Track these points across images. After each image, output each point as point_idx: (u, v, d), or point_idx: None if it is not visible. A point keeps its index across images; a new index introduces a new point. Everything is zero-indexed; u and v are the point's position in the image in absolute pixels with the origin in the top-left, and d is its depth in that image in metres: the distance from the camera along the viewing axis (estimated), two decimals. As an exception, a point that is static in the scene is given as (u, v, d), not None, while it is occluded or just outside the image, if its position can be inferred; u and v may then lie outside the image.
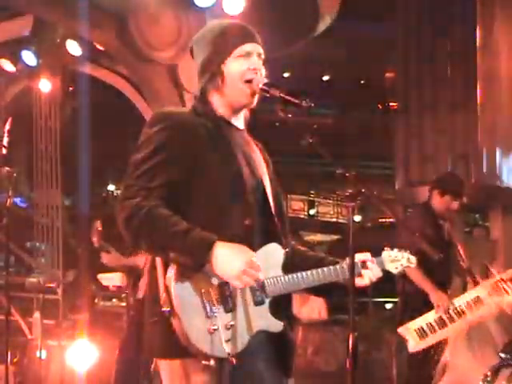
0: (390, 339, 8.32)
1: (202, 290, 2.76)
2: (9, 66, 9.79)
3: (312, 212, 20.45)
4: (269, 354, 3.00)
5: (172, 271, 2.76)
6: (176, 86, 8.18)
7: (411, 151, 12.36)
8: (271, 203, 3.06)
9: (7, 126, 11.39)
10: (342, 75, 18.07)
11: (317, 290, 3.12)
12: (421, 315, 5.84)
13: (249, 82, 3.00)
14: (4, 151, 11.07)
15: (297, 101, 2.97)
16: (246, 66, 3.01)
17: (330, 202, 19.55)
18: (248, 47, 3.03)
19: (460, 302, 5.83)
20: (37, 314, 7.09)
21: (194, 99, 3.15)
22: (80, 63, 9.22)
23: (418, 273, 5.87)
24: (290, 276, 2.96)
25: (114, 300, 8.23)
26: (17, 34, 9.19)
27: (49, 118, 10.67)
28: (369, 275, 3.08)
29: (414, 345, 5.72)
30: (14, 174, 6.34)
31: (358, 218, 14.08)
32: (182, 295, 2.73)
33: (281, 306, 2.96)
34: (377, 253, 3.18)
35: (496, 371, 1.77)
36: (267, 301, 2.90)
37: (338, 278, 3.01)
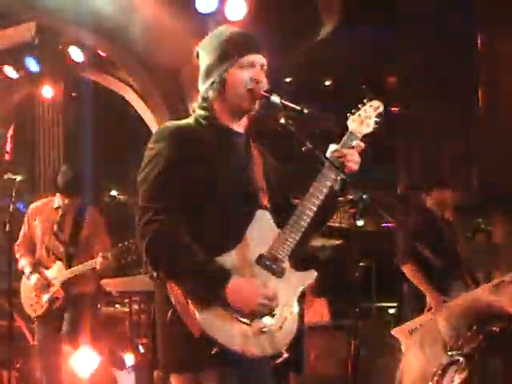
0: (392, 344, 8.33)
1: (230, 315, 2.76)
2: (12, 73, 9.82)
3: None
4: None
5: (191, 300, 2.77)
6: (178, 92, 8.21)
7: (413, 155, 12.37)
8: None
9: (10, 132, 11.44)
10: (343, 80, 18.06)
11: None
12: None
13: (250, 89, 3.02)
14: (7, 157, 11.12)
15: (298, 107, 2.98)
16: (249, 75, 3.03)
17: (333, 206, 19.46)
18: (252, 58, 3.05)
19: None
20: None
21: (196, 105, 3.15)
22: (83, 70, 9.25)
23: (417, 275, 5.94)
24: (286, 226, 2.92)
25: (116, 306, 8.24)
26: (20, 40, 9.22)
27: (51, 124, 10.71)
28: (349, 159, 3.02)
29: (405, 347, 5.77)
30: (17, 180, 6.36)
31: (360, 223, 14.06)
32: (211, 321, 2.74)
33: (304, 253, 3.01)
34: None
35: (444, 369, 1.81)
36: (286, 263, 2.88)
37: (328, 180, 2.99)
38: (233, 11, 7.75)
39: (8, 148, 10.66)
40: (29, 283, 6.22)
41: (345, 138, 3.11)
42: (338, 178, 3.00)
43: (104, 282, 7.67)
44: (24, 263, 6.25)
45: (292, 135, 2.97)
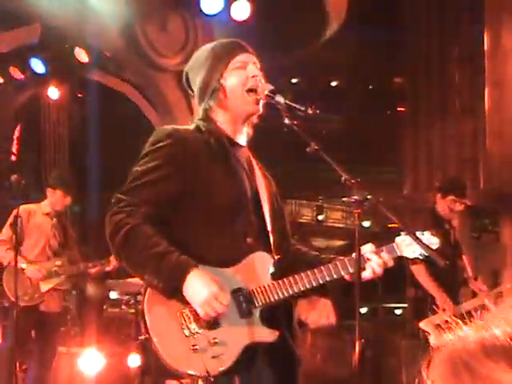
0: (399, 345, 8.30)
1: (177, 313, 2.73)
2: (17, 74, 9.83)
3: (320, 217, 20.36)
4: (269, 367, 2.90)
5: (146, 296, 2.75)
6: (184, 93, 8.19)
7: (419, 156, 12.33)
8: (267, 220, 3.02)
9: (16, 133, 11.45)
10: (350, 81, 18.04)
11: (321, 291, 3.05)
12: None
13: (252, 90, 3.00)
14: (13, 158, 11.13)
15: (302, 108, 2.97)
16: (245, 74, 3.02)
17: (339, 207, 19.48)
18: (242, 57, 3.06)
19: (468, 307, 5.87)
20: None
21: (197, 118, 3.13)
22: (88, 70, 9.24)
23: (426, 276, 5.93)
24: (279, 282, 2.85)
25: (123, 307, 8.22)
26: (25, 41, 9.23)
27: (57, 125, 10.72)
28: (372, 266, 2.90)
29: (436, 339, 5.73)
30: (23, 181, 6.36)
31: (366, 224, 14.04)
32: (157, 321, 2.72)
33: (277, 314, 2.88)
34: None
35: None
36: (257, 311, 2.82)
37: (332, 277, 2.89)
38: (238, 11, 7.75)
39: (14, 149, 10.67)
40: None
41: (386, 247, 2.99)
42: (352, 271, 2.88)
43: (109, 282, 7.69)
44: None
45: (297, 135, 2.95)
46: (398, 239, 3.01)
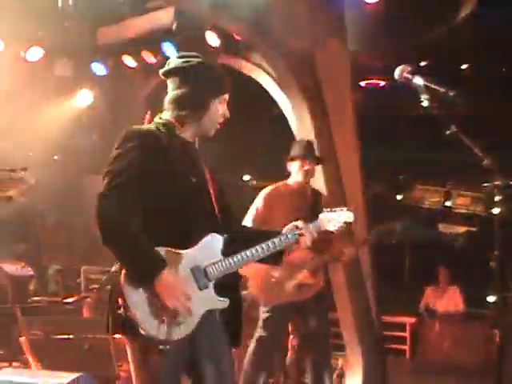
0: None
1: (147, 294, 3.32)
2: (150, 58, 10.01)
3: (448, 203, 19.99)
4: (220, 327, 3.64)
5: (122, 276, 3.34)
6: (312, 76, 8.16)
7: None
8: (214, 204, 3.69)
9: (147, 118, 11.67)
10: (482, 63, 17.56)
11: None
12: None
13: (220, 123, 3.77)
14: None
15: (443, 89, 2.90)
16: (223, 110, 3.77)
17: (468, 193, 19.05)
18: (227, 96, 3.79)
19: None
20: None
21: (162, 116, 3.75)
22: (218, 54, 9.32)
23: None
24: (228, 259, 3.56)
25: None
26: (158, 26, 9.38)
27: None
28: (305, 239, 3.76)
29: None
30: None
31: (496, 211, 13.68)
32: (134, 297, 3.31)
33: (228, 284, 3.57)
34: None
35: None
36: (211, 284, 3.51)
37: (276, 249, 3.70)
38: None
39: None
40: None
41: (313, 223, 3.84)
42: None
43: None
44: None
45: (431, 117, 2.89)
46: (321, 216, 3.88)
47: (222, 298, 3.53)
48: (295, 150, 6.38)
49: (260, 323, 6.20)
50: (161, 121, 3.69)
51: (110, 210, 3.31)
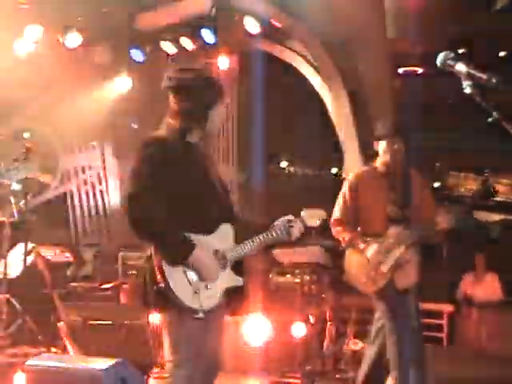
0: None
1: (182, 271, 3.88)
2: (188, 44, 10.01)
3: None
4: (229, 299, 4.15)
5: (160, 259, 3.85)
6: (350, 62, 8.13)
7: None
8: (223, 195, 4.19)
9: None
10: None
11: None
12: None
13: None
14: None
15: (485, 76, 2.86)
16: (223, 113, 4.23)
17: (506, 181, 18.85)
18: (226, 100, 4.17)
19: None
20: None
21: (172, 122, 4.06)
22: (256, 41, 9.30)
23: None
24: (240, 245, 4.11)
25: (287, 276, 8.29)
26: (197, 12, 9.38)
27: (226, 95, 10.87)
28: (295, 232, 4.25)
29: None
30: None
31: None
32: (172, 274, 3.84)
33: (240, 265, 4.15)
34: None
35: None
36: (229, 265, 4.06)
37: (276, 239, 4.23)
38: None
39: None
40: (362, 257, 5.68)
41: (299, 218, 4.30)
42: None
43: (276, 251, 7.76)
44: (350, 236, 5.76)
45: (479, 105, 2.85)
46: (302, 213, 4.31)
47: (237, 277, 4.14)
48: (382, 129, 5.83)
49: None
50: (171, 127, 4.05)
51: (144, 209, 3.76)
